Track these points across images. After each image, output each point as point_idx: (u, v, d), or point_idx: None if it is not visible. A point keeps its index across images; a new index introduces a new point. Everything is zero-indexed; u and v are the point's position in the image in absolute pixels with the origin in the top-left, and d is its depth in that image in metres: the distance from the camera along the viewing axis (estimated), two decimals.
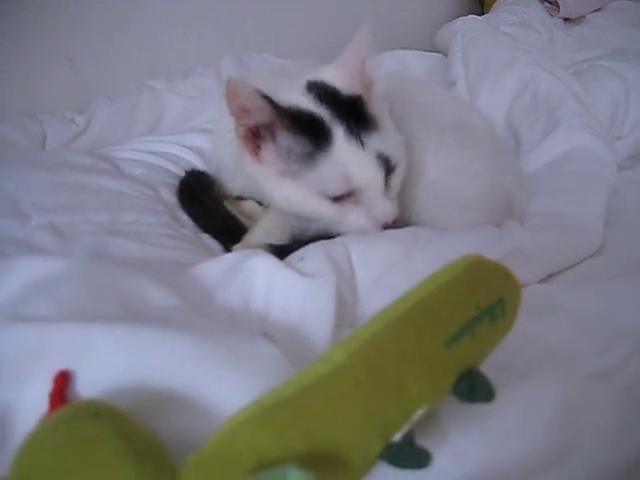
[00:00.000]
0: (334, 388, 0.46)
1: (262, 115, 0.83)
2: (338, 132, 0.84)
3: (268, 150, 0.87)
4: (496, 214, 1.03)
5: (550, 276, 0.95)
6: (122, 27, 1.53)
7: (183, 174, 1.15)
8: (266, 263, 0.72)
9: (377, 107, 0.89)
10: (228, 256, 0.77)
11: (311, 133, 0.84)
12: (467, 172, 1.01)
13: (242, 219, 1.05)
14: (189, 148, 1.26)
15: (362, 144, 0.84)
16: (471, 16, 2.04)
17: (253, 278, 0.70)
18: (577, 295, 0.85)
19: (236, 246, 0.98)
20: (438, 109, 1.12)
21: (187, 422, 0.50)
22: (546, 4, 2.61)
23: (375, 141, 0.85)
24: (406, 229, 0.90)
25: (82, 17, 1.44)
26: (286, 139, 0.85)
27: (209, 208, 1.02)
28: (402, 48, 1.95)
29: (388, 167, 0.86)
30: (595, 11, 2.60)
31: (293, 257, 0.79)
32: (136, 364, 0.52)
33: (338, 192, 0.85)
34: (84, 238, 0.84)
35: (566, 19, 2.56)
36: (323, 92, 0.87)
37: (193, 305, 0.66)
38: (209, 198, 1.03)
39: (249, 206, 1.10)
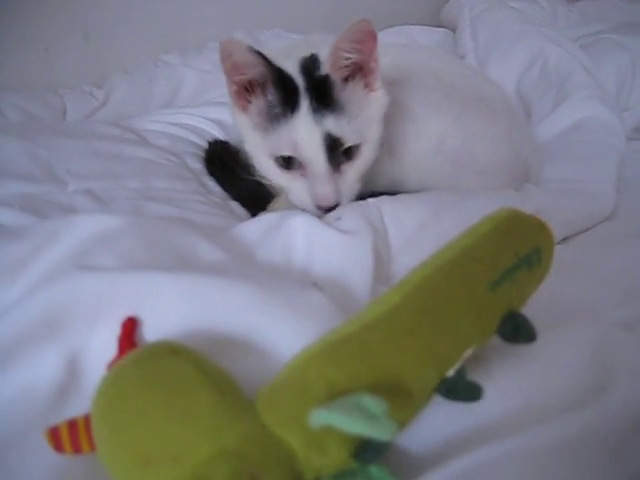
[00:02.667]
0: (392, 326, 0.49)
1: (254, 69, 0.86)
2: (304, 104, 0.87)
3: (256, 102, 0.91)
4: (514, 180, 1.06)
5: (565, 239, 0.98)
6: (136, 2, 1.54)
7: (206, 144, 1.17)
8: (306, 221, 0.75)
9: (352, 91, 0.91)
10: (267, 216, 0.80)
11: (285, 97, 0.88)
12: (486, 139, 1.04)
13: (269, 187, 1.07)
14: (209, 120, 1.28)
15: (316, 121, 0.86)
16: None
17: (294, 235, 0.73)
18: (593, 254, 0.89)
19: (262, 213, 1.00)
20: (456, 78, 1.14)
21: (248, 364, 0.53)
22: None
23: (329, 121, 0.87)
24: (433, 192, 0.93)
25: None
26: (271, 94, 0.89)
27: (237, 176, 1.04)
28: (406, 24, 1.97)
29: (335, 147, 0.88)
30: None
31: (330, 216, 0.82)
32: (199, 310, 0.55)
33: (284, 154, 0.89)
34: (121, 203, 0.87)
35: None
36: (310, 65, 0.90)
37: (238, 261, 0.69)
38: (237, 166, 1.06)
39: None
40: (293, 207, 0.97)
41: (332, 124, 0.87)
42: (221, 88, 1.44)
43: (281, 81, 0.88)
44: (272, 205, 1.02)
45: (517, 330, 0.55)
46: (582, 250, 0.93)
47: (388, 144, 0.99)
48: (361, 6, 2.18)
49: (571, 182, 1.12)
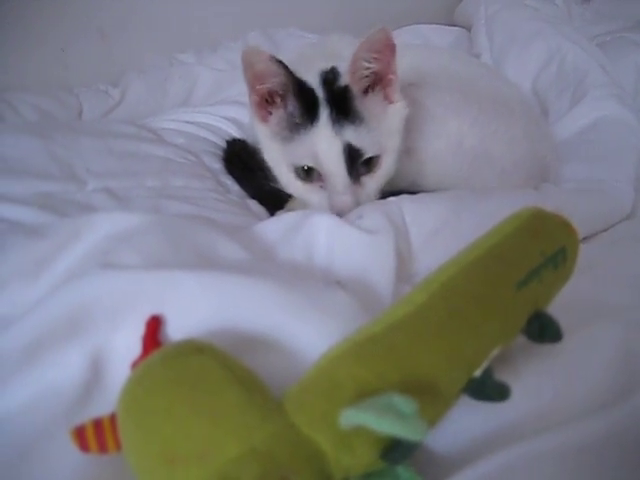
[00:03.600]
0: (419, 326, 0.48)
1: (276, 79, 0.86)
2: (323, 115, 0.87)
3: (276, 113, 0.91)
4: (532, 179, 1.05)
5: (585, 238, 0.98)
6: (151, 2, 1.54)
7: (223, 143, 1.18)
8: (328, 220, 0.74)
9: (372, 103, 0.91)
10: (288, 215, 0.80)
11: (306, 108, 0.88)
12: (505, 138, 1.03)
13: None
14: (225, 118, 1.28)
15: (336, 132, 0.86)
16: None
17: (316, 234, 0.73)
18: (613, 254, 0.88)
19: (279, 212, 1.01)
20: (474, 79, 1.14)
21: (273, 363, 0.53)
22: None
23: (349, 132, 0.87)
24: (452, 191, 0.92)
25: None
26: (292, 105, 0.89)
27: (255, 175, 1.04)
28: (420, 23, 1.96)
29: (354, 158, 0.88)
30: None
31: (351, 215, 0.81)
32: (223, 309, 0.55)
33: (304, 164, 0.89)
34: (140, 201, 0.87)
35: None
36: (330, 77, 0.90)
37: (260, 260, 0.68)
38: (255, 165, 1.05)
39: None
40: (311, 206, 0.97)
41: (352, 135, 0.87)
42: (236, 87, 1.46)
43: (301, 92, 0.88)
44: (290, 204, 1.02)
45: (543, 330, 0.55)
46: (601, 250, 0.92)
47: (407, 144, 0.99)
48: (375, 4, 2.18)
49: (589, 181, 1.11)
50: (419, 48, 1.26)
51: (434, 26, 1.93)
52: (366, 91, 0.90)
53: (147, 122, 1.22)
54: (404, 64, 1.01)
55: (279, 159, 0.93)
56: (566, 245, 0.59)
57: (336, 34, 1.17)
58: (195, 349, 0.47)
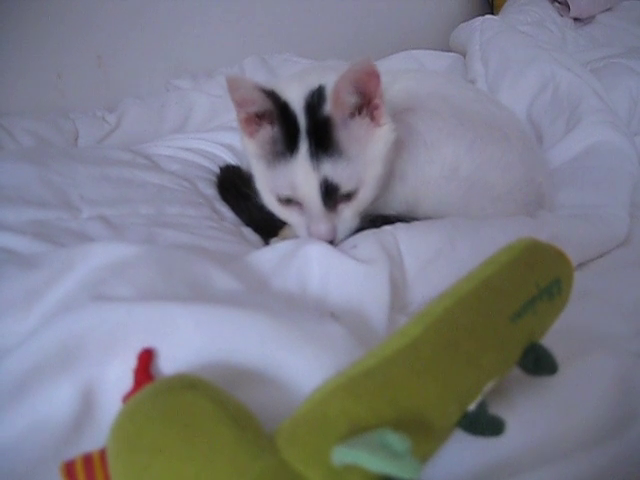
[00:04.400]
0: (414, 359, 0.48)
1: (260, 105, 0.87)
2: (303, 147, 0.87)
3: (264, 132, 0.91)
4: (528, 206, 1.05)
5: (580, 265, 0.97)
6: (148, 28, 1.56)
7: (218, 169, 1.17)
8: (321, 250, 0.74)
9: (358, 126, 0.90)
10: (281, 244, 0.79)
11: (288, 135, 0.88)
12: (501, 164, 1.03)
13: None
14: (221, 145, 1.28)
15: (314, 166, 0.87)
16: (488, 16, 2.07)
17: (309, 264, 0.73)
18: (608, 281, 0.88)
19: (274, 239, 1.00)
20: (469, 104, 1.14)
21: (266, 397, 0.52)
22: (556, 4, 2.64)
23: (327, 167, 0.87)
24: (447, 219, 0.92)
25: (110, 17, 1.46)
26: (275, 130, 0.89)
27: (250, 201, 1.04)
28: (415, 48, 1.98)
29: (332, 192, 0.88)
30: (604, 11, 2.61)
31: (345, 244, 0.81)
32: (216, 342, 0.54)
33: (283, 194, 0.90)
34: (134, 229, 0.86)
35: (576, 19, 2.59)
36: (314, 101, 0.89)
37: (253, 290, 0.68)
38: (249, 192, 1.06)
39: None
40: (293, 227, 0.97)
41: (330, 169, 0.87)
42: (232, 113, 1.46)
43: (285, 118, 0.88)
44: (283, 232, 1.02)
45: (538, 362, 0.55)
46: (596, 277, 0.92)
47: (400, 170, 0.99)
48: (370, 31, 2.21)
49: (585, 208, 1.11)
50: (413, 72, 1.26)
51: (429, 51, 1.95)
52: (352, 114, 0.89)
53: (143, 148, 1.22)
54: (398, 88, 1.01)
55: (263, 181, 0.94)
56: (561, 276, 0.60)
57: (333, 60, 1.17)
58: (187, 384, 0.46)
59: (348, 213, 0.91)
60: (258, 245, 1.00)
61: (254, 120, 0.91)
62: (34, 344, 0.55)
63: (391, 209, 0.99)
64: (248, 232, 1.03)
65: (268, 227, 1.03)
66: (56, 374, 0.54)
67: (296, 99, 0.90)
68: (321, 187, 0.87)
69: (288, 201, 0.91)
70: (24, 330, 0.58)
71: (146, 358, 0.53)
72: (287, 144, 0.88)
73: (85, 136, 1.31)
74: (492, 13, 2.72)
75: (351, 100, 0.87)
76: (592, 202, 1.13)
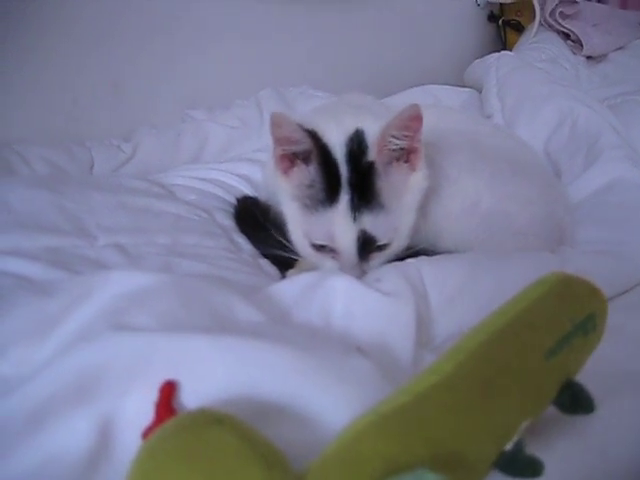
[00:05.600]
0: (447, 397, 0.46)
1: (301, 146, 0.87)
2: (344, 198, 0.86)
3: (299, 171, 0.90)
4: (549, 241, 1.04)
5: None
6: (165, 57, 1.56)
7: (235, 200, 1.16)
8: (345, 282, 0.72)
9: (396, 173, 0.90)
10: (304, 276, 0.78)
11: (328, 181, 0.87)
12: (521, 199, 1.02)
13: None
14: (237, 176, 1.28)
15: (354, 218, 0.86)
16: (504, 52, 2.08)
17: (333, 297, 0.70)
18: (633, 318, 0.86)
19: (290, 271, 0.99)
20: (489, 139, 1.14)
21: (291, 433, 0.50)
22: (569, 42, 2.65)
23: (366, 220, 0.86)
24: (471, 254, 0.91)
25: (128, 46, 1.47)
26: (314, 172, 0.88)
27: (268, 233, 1.03)
28: (430, 84, 1.98)
29: (368, 244, 0.88)
30: (617, 49, 2.62)
31: (369, 278, 0.79)
32: (240, 375, 0.52)
33: (319, 242, 0.89)
34: (150, 258, 0.85)
35: (589, 57, 2.59)
36: (356, 147, 0.89)
37: (275, 322, 0.66)
38: (267, 223, 1.04)
39: None
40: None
41: (369, 223, 0.87)
42: (248, 144, 1.47)
43: (326, 164, 0.88)
44: (300, 264, 1.00)
45: (575, 400, 0.53)
46: (621, 314, 0.89)
47: (423, 205, 0.98)
48: (386, 65, 2.22)
49: (606, 244, 1.09)
50: (433, 108, 1.26)
51: (445, 87, 1.95)
52: (393, 159, 0.89)
53: (158, 178, 1.21)
54: None
55: (296, 224, 0.93)
56: (595, 311, 0.58)
57: (355, 92, 1.17)
58: (212, 420, 0.44)
59: (379, 260, 0.91)
60: (276, 278, 0.98)
61: (290, 157, 0.90)
62: (50, 374, 0.53)
63: (413, 243, 0.97)
64: (265, 264, 1.01)
65: (286, 259, 1.01)
66: (72, 406, 0.52)
67: (337, 143, 0.89)
68: (359, 239, 0.87)
69: (321, 247, 0.90)
70: (39, 359, 0.56)
71: (168, 391, 0.51)
72: (327, 192, 0.87)
73: (100, 164, 1.30)
74: (505, 50, 2.73)
75: (397, 145, 0.87)
76: (613, 239, 1.11)
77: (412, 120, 0.84)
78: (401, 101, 0.91)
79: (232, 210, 1.13)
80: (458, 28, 2.75)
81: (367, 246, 0.88)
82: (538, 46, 2.43)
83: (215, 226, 1.05)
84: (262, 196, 1.17)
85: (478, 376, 0.48)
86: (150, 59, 1.54)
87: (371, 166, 0.87)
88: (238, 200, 1.15)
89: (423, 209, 0.97)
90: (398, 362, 0.64)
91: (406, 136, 0.86)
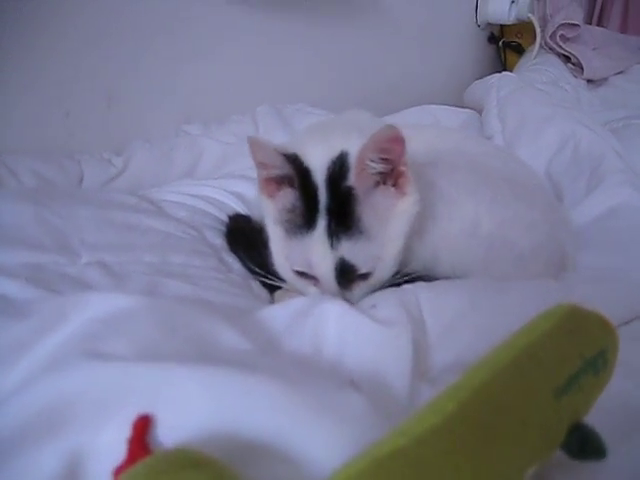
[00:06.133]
0: (449, 440, 0.42)
1: (279, 171, 0.85)
2: (321, 224, 0.83)
3: (284, 195, 0.88)
4: (551, 267, 1.00)
5: None
6: (161, 71, 1.53)
7: (226, 218, 1.12)
8: (338, 308, 0.68)
9: (382, 197, 0.86)
10: (295, 301, 0.73)
11: (308, 208, 0.84)
12: (524, 223, 0.98)
13: None
14: (231, 193, 1.24)
15: (332, 245, 0.83)
16: (505, 72, 2.06)
17: (325, 324, 0.66)
18: (637, 350, 0.82)
19: (277, 292, 0.95)
20: (490, 160, 1.10)
21: (277, 473, 0.46)
22: (569, 65, 2.64)
23: (345, 247, 0.83)
24: (470, 280, 0.87)
25: (122, 58, 1.43)
26: (295, 196, 0.86)
27: (259, 253, 0.99)
28: (429, 104, 1.96)
29: (348, 273, 0.84)
30: (617, 74, 2.62)
31: (364, 304, 0.75)
32: (222, 410, 0.48)
33: (298, 268, 0.87)
34: (136, 278, 0.81)
35: (589, 81, 2.58)
36: (337, 171, 0.85)
37: (263, 351, 0.62)
38: (259, 242, 1.01)
39: None
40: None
41: (347, 250, 0.83)
42: (244, 160, 1.42)
43: (306, 187, 0.85)
44: (287, 286, 0.96)
45: (584, 445, 0.49)
46: (628, 344, 0.85)
47: (419, 226, 0.94)
48: (384, 84, 2.19)
49: (610, 271, 1.06)
50: (431, 128, 1.23)
51: (444, 107, 1.92)
52: (377, 183, 0.86)
53: (149, 193, 1.17)
54: (416, 144, 0.97)
55: (278, 249, 0.90)
56: (606, 347, 0.54)
57: (353, 110, 1.14)
58: (188, 462, 0.40)
59: (363, 289, 0.87)
60: (266, 299, 0.94)
61: (275, 181, 0.87)
62: (17, 405, 0.49)
63: (408, 267, 0.93)
64: (256, 286, 0.97)
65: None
66: (39, 440, 0.47)
67: (319, 167, 0.86)
68: (337, 268, 0.83)
69: (303, 274, 0.87)
70: (6, 388, 0.52)
71: (142, 426, 0.46)
72: (306, 217, 0.84)
73: (90, 178, 1.26)
74: (505, 71, 2.71)
75: (375, 169, 0.83)
76: (617, 265, 1.07)
77: (390, 142, 0.80)
78: (400, 120, 0.88)
79: (223, 228, 1.09)
80: (458, 48, 2.74)
81: (347, 275, 0.84)
82: (539, 68, 2.42)
83: (205, 245, 1.01)
84: (255, 214, 1.13)
85: (482, 418, 0.44)
86: (145, 72, 1.51)
87: (350, 191, 0.84)
88: (230, 218, 1.11)
89: (419, 231, 0.93)
90: (393, 395, 0.60)
91: (385, 159, 0.82)
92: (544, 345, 0.51)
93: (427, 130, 1.13)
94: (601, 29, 3.18)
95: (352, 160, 0.84)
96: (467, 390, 0.45)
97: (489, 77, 2.02)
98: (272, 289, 0.97)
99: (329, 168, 0.85)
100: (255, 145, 0.82)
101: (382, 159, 0.82)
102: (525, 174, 1.14)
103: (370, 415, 0.52)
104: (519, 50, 2.84)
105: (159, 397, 0.48)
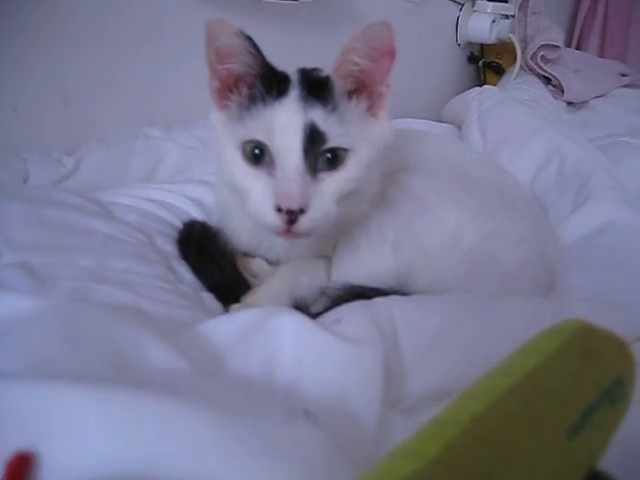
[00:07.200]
0: None
1: (241, 58, 0.77)
2: (293, 93, 0.76)
3: (237, 100, 0.81)
4: (539, 286, 0.90)
5: None
6: (123, 70, 1.41)
7: (181, 224, 1.00)
8: (296, 323, 0.57)
9: (353, 109, 0.80)
10: (245, 313, 0.62)
11: (275, 82, 0.77)
12: (510, 237, 0.89)
13: (249, 278, 0.91)
14: (189, 198, 1.12)
15: (302, 108, 0.75)
16: (487, 86, 1.99)
17: (279, 340, 0.55)
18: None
19: (234, 306, 0.84)
20: (473, 168, 1.01)
21: None
22: (550, 87, 2.60)
23: (316, 112, 0.75)
24: (451, 295, 0.76)
25: (81, 53, 1.32)
26: (257, 88, 0.78)
27: (213, 261, 0.88)
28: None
29: (316, 142, 0.75)
30: (597, 97, 2.59)
31: (327, 318, 0.64)
32: (131, 447, 0.37)
33: (253, 137, 0.77)
34: (63, 282, 0.69)
35: (569, 103, 2.54)
36: (309, 70, 0.82)
37: (201, 371, 0.50)
38: (214, 250, 0.90)
39: (257, 264, 0.96)
40: (272, 302, 0.80)
41: (319, 116, 0.75)
42: (206, 167, 1.32)
43: (271, 75, 0.78)
44: (248, 297, 0.85)
45: None
46: None
47: (393, 237, 0.86)
48: None
49: (601, 292, 0.96)
50: (410, 132, 1.13)
51: (423, 120, 1.84)
52: (349, 96, 0.79)
53: (98, 195, 1.05)
54: (393, 145, 0.88)
55: (228, 140, 0.80)
56: (623, 373, 0.43)
57: None
58: None
59: (329, 186, 0.76)
60: (218, 314, 0.82)
61: (228, 88, 0.81)
62: None
63: (380, 282, 0.83)
64: (208, 298, 0.86)
65: (232, 293, 0.86)
66: None
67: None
68: (305, 131, 0.74)
69: (256, 160, 0.77)
70: None
71: (18, 467, 0.35)
72: (271, 89, 0.77)
73: (36, 178, 1.13)
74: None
75: (357, 65, 0.77)
76: (607, 286, 0.98)
77: (381, 43, 0.74)
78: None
79: (176, 234, 0.97)
80: (437, 67, 2.68)
81: (315, 145, 0.75)
82: (520, 87, 2.36)
83: (153, 251, 0.89)
84: (213, 220, 1.02)
85: (473, 465, 0.33)
86: (105, 70, 1.39)
87: (327, 78, 0.78)
88: (184, 224, 0.99)
89: (394, 242, 0.85)
90: (359, 428, 0.49)
91: (370, 57, 0.76)
92: (551, 370, 0.40)
93: (404, 133, 1.03)
94: (581, 53, 3.16)
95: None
96: (454, 427, 0.34)
97: (469, 91, 1.96)
98: (227, 303, 0.85)
99: (299, 68, 0.82)
100: (217, 25, 0.74)
101: (368, 55, 0.75)
102: (513, 186, 1.04)
103: (326, 454, 0.40)
104: (499, 71, 2.78)
105: (47, 428, 0.37)
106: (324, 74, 0.79)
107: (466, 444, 0.34)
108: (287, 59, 0.83)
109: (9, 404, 0.38)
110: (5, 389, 0.38)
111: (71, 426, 0.37)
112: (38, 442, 0.36)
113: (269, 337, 0.56)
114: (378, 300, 0.69)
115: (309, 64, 0.86)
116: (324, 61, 0.83)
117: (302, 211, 0.72)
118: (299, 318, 0.58)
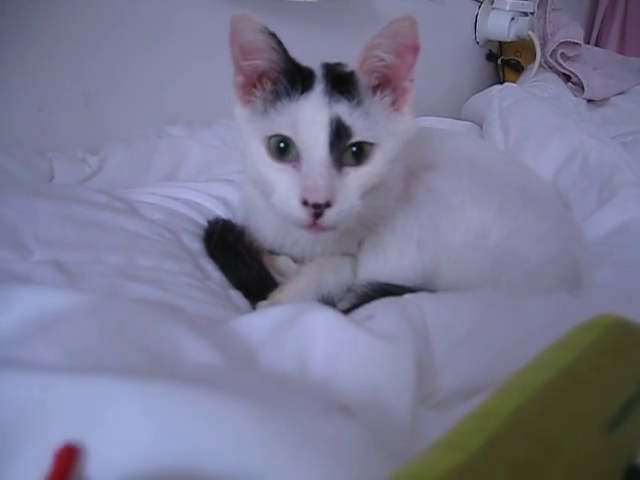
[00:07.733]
0: None
1: (266, 55, 0.78)
2: (318, 87, 0.77)
3: (261, 95, 0.82)
4: (565, 283, 0.90)
5: None
6: (146, 69, 1.42)
7: (206, 222, 1.01)
8: (328, 319, 0.57)
9: (378, 103, 0.80)
10: (277, 309, 0.62)
11: (300, 77, 0.78)
12: (535, 234, 0.88)
13: (275, 276, 0.92)
14: (213, 197, 1.13)
15: (327, 103, 0.76)
16: (507, 84, 1.98)
17: (312, 337, 0.55)
18: None
19: (261, 303, 0.84)
20: (497, 167, 1.01)
21: None
22: (570, 84, 2.58)
23: (342, 107, 0.76)
24: (479, 291, 0.76)
25: (104, 53, 1.32)
26: (282, 84, 0.79)
27: (240, 258, 0.88)
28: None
29: (342, 136, 0.75)
30: (618, 94, 2.56)
31: (357, 315, 0.64)
32: (172, 439, 0.37)
33: (278, 132, 0.77)
34: (94, 279, 0.70)
35: (589, 101, 2.52)
36: (334, 65, 0.83)
37: (237, 367, 0.51)
38: (241, 248, 0.90)
39: (282, 262, 0.96)
40: (301, 299, 0.81)
41: (344, 110, 0.76)
42: (229, 165, 1.32)
43: (295, 70, 0.79)
44: (275, 295, 0.86)
45: None
46: None
47: (418, 235, 0.86)
48: None
49: (627, 288, 0.95)
50: (434, 130, 1.13)
51: (444, 119, 1.83)
52: (374, 91, 0.80)
53: (124, 193, 1.06)
54: (417, 144, 0.88)
55: (253, 135, 0.81)
56: None
57: None
58: None
59: (354, 180, 0.77)
60: (246, 311, 0.82)
61: (253, 83, 0.82)
62: None
63: (405, 279, 0.83)
64: (236, 295, 0.86)
65: (259, 291, 0.86)
66: None
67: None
68: (331, 125, 0.74)
69: (281, 154, 0.77)
70: None
71: (66, 459, 0.35)
72: (296, 84, 0.77)
73: (61, 177, 1.14)
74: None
75: (382, 60, 0.78)
76: (633, 283, 0.97)
77: (406, 38, 0.75)
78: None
79: (202, 233, 0.97)
80: (456, 65, 2.66)
81: (341, 139, 0.75)
82: (540, 84, 2.34)
83: (180, 249, 0.89)
84: (238, 218, 1.03)
85: (517, 456, 0.33)
86: (127, 70, 1.40)
87: (352, 73, 0.79)
88: (210, 222, 1.00)
89: (419, 240, 0.85)
90: (393, 423, 0.49)
91: (395, 51, 0.77)
92: (588, 364, 0.40)
93: (427, 132, 1.03)
94: (601, 49, 3.13)
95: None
96: (496, 419, 0.35)
97: (489, 89, 1.94)
98: (255, 300, 0.86)
99: (323, 63, 0.83)
100: (241, 21, 0.75)
101: (393, 50, 0.77)
102: (536, 183, 1.04)
103: (366, 448, 0.41)
104: (517, 68, 2.76)
105: (90, 420, 0.37)
106: (348, 69, 0.80)
107: (509, 436, 0.34)
108: (306, 57, 0.83)
109: (55, 397, 0.38)
110: (50, 382, 0.39)
111: (116, 418, 0.37)
112: (84, 434, 0.36)
113: (302, 333, 0.56)
114: (408, 297, 0.70)
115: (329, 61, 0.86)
116: (343, 59, 0.84)
117: (328, 205, 0.72)
118: (331, 314, 0.58)
